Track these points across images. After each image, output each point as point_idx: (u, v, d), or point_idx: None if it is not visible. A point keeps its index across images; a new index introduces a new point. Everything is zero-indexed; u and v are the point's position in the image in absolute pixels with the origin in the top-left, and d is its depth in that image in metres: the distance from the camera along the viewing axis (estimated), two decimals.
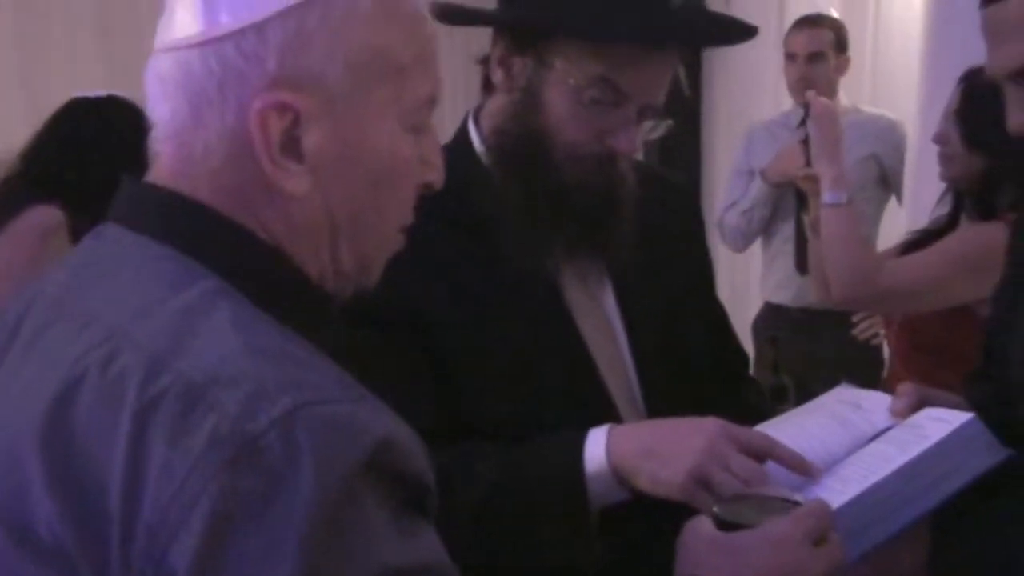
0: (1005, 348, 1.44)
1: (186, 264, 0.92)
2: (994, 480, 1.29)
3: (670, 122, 1.48)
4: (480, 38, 1.50)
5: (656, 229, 1.54)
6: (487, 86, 1.50)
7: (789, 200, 3.75)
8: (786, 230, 3.80)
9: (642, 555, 1.39)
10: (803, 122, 3.79)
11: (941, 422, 1.33)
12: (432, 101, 1.00)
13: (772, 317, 3.89)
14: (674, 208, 1.67)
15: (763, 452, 1.31)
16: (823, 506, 1.15)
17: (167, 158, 0.96)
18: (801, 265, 3.73)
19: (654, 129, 1.47)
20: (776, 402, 2.78)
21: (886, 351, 3.65)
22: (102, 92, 3.30)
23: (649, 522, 1.36)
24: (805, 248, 3.67)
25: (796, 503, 1.15)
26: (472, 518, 1.31)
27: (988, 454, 1.30)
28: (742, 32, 1.50)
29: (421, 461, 0.87)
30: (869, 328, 3.34)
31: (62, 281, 0.98)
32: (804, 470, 1.31)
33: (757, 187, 3.78)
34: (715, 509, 1.16)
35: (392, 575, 0.82)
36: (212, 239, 0.94)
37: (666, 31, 1.41)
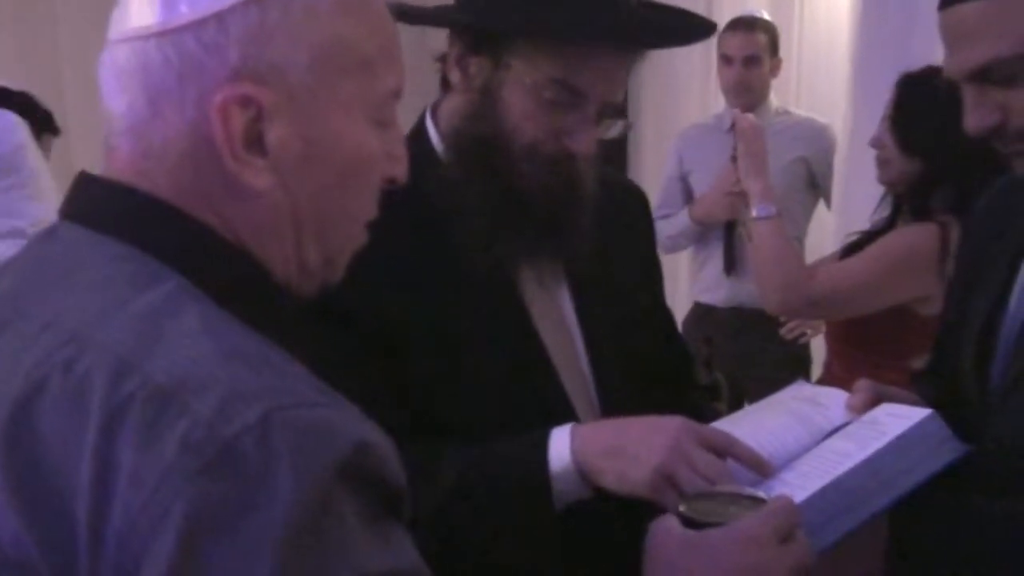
0: (957, 347, 1.45)
1: (147, 263, 0.89)
2: (951, 476, 1.30)
3: (629, 122, 1.47)
4: (438, 33, 1.48)
5: (611, 232, 1.54)
6: (445, 83, 1.48)
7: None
8: (716, 234, 3.83)
9: (605, 556, 1.38)
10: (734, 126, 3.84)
11: (898, 418, 1.34)
12: (396, 94, 0.99)
13: (702, 317, 3.92)
14: (627, 212, 1.68)
15: (723, 449, 1.32)
16: (790, 503, 1.15)
17: (124, 153, 0.93)
18: (729, 267, 3.77)
19: (611, 128, 1.46)
20: (710, 400, 2.83)
21: (813, 350, 3.70)
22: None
23: (612, 521, 1.36)
24: (734, 251, 3.72)
25: (762, 500, 1.15)
26: (434, 517, 1.29)
27: (947, 450, 1.31)
28: (701, 30, 1.50)
29: (395, 465, 0.86)
30: (797, 328, 3.38)
31: (15, 282, 0.94)
32: (760, 468, 1.32)
33: (683, 222, 3.82)
34: (681, 508, 1.15)
35: None
36: (173, 237, 0.91)
37: (625, 31, 1.41)
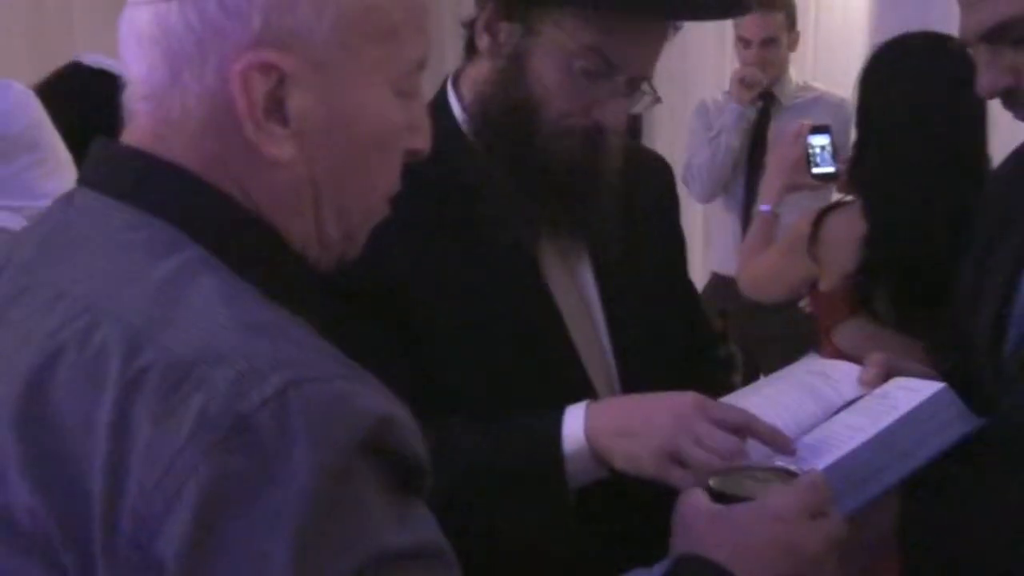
0: (972, 319, 1.45)
1: (163, 231, 0.88)
2: (964, 449, 1.30)
3: (657, 96, 1.44)
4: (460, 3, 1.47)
5: (634, 205, 1.52)
6: (470, 50, 1.46)
7: (738, 173, 3.78)
8: (730, 202, 3.82)
9: (625, 538, 1.37)
10: (759, 97, 3.83)
11: (911, 392, 1.34)
12: (421, 65, 0.97)
13: (720, 289, 3.91)
14: (651, 184, 1.65)
15: (739, 426, 1.28)
16: (821, 479, 1.13)
17: (143, 119, 0.92)
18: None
19: (640, 102, 1.44)
20: (726, 374, 2.85)
21: None
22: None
23: (633, 503, 1.35)
24: (752, 218, 3.73)
25: (793, 474, 1.14)
26: (447, 498, 1.28)
27: (959, 424, 1.31)
28: (737, 5, 1.48)
29: (417, 441, 0.84)
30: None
31: (31, 249, 0.92)
32: (782, 446, 1.29)
33: (728, 111, 3.78)
34: (710, 482, 1.14)
35: (389, 557, 0.79)
36: (191, 205, 0.89)
37: (663, 3, 1.38)
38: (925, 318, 2.28)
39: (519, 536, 1.36)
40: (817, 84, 4.03)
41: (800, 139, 2.73)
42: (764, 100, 3.87)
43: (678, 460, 1.26)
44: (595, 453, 1.31)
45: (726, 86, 4.26)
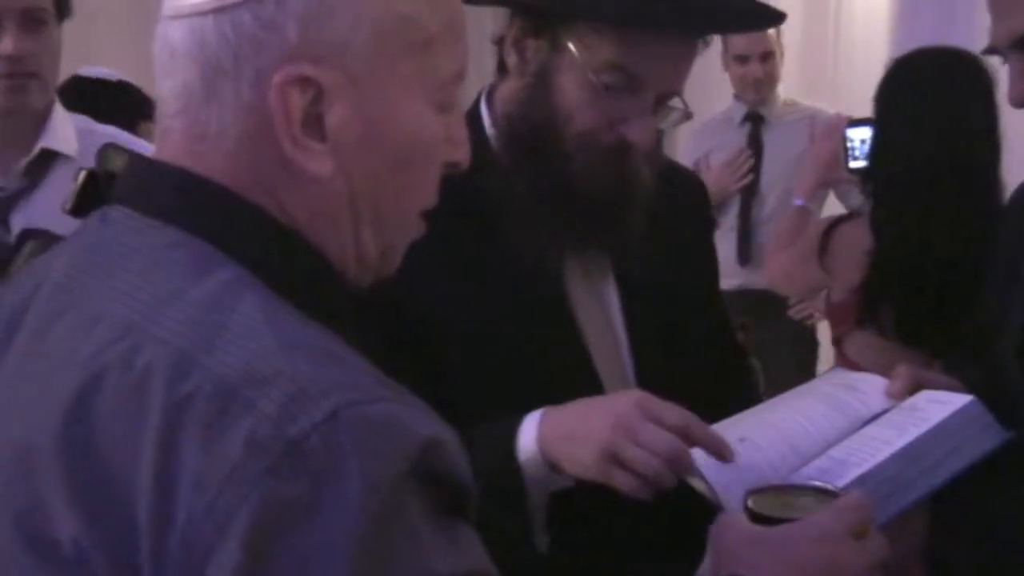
0: (1000, 333, 1.44)
1: (202, 250, 0.86)
2: (993, 463, 1.29)
3: (689, 112, 1.43)
4: (497, 17, 1.46)
5: (664, 223, 1.49)
6: (501, 67, 1.45)
7: (733, 194, 3.79)
8: (729, 224, 3.81)
9: (612, 548, 1.35)
10: (748, 118, 3.80)
11: (939, 404, 1.33)
12: (459, 77, 0.95)
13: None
14: (684, 202, 1.62)
15: (678, 430, 1.24)
16: (863, 498, 1.11)
17: (178, 135, 0.90)
18: (744, 259, 3.78)
19: (668, 118, 1.43)
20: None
21: (820, 332, 3.69)
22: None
23: (613, 511, 1.32)
24: (750, 241, 3.76)
25: (832, 493, 1.12)
26: None
27: (988, 436, 1.30)
28: (768, 18, 1.48)
29: (463, 463, 0.83)
30: (804, 309, 3.37)
31: (67, 268, 0.91)
32: (720, 453, 1.25)
33: None
34: (748, 502, 1.12)
35: None
36: (229, 223, 0.88)
37: (685, 17, 1.37)
38: (929, 332, 2.30)
39: (497, 546, 1.34)
40: (804, 101, 3.99)
41: (837, 133, 2.70)
42: (752, 122, 3.85)
43: (618, 461, 1.23)
44: (547, 460, 1.29)
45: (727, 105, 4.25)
